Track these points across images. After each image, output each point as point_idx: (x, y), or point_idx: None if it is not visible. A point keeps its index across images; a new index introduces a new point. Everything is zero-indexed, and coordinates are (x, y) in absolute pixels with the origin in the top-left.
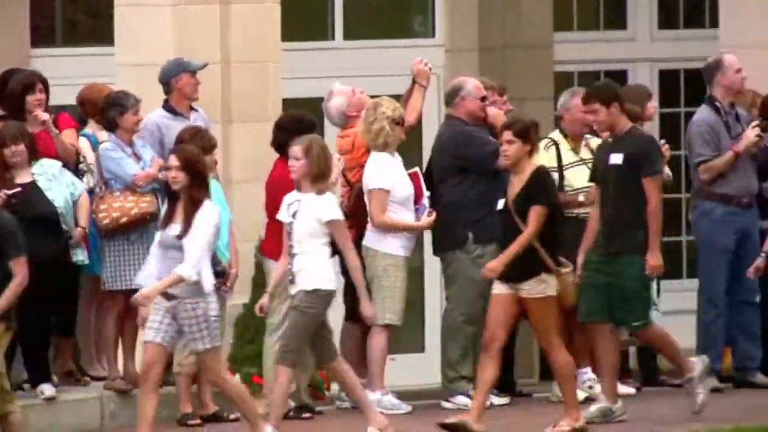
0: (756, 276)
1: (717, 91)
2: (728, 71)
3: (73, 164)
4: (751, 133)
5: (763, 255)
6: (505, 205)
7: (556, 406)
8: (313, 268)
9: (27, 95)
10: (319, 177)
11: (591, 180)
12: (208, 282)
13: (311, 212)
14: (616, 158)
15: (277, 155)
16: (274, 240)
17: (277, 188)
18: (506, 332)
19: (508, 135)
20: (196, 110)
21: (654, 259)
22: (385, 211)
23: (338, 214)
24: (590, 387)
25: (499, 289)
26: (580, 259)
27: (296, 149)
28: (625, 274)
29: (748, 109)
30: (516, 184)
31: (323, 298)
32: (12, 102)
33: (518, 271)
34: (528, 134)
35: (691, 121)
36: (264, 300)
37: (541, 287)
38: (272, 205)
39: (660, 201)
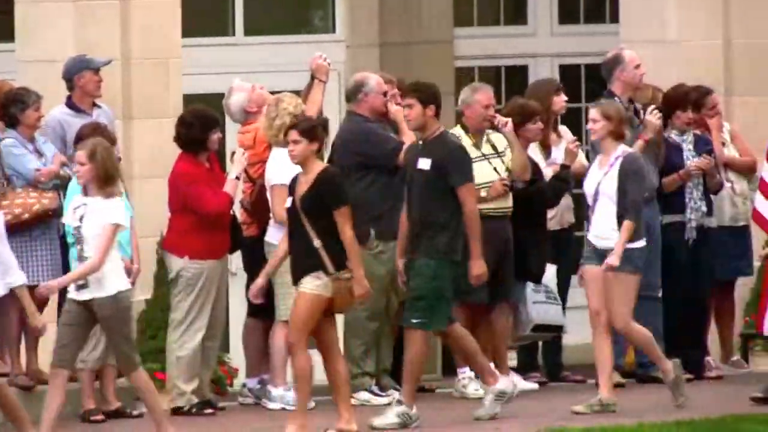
0: None
1: (616, 87)
2: (627, 67)
3: None
4: (652, 118)
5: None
6: (293, 204)
7: (460, 401)
8: (106, 271)
9: None
10: (105, 180)
11: (405, 179)
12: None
13: (98, 216)
14: (424, 163)
15: (179, 151)
16: (176, 234)
17: (180, 183)
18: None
19: (294, 134)
20: (100, 107)
21: (477, 267)
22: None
23: (122, 219)
24: (463, 386)
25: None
26: (399, 264)
27: (80, 154)
28: (414, 274)
29: (649, 103)
30: (303, 183)
31: (124, 299)
32: None
33: (298, 268)
34: (314, 133)
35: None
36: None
37: (315, 284)
38: (174, 200)
39: (475, 207)
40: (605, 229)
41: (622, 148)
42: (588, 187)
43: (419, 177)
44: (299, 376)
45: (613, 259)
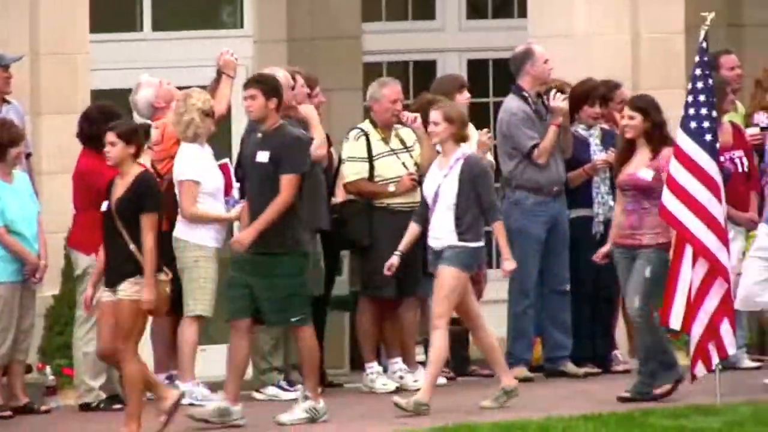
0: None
1: (524, 81)
2: (537, 62)
3: None
4: (557, 102)
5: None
6: (108, 207)
7: (368, 396)
8: None
9: None
10: None
11: (236, 175)
12: None
13: None
14: (262, 156)
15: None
16: (81, 231)
17: (84, 179)
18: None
19: (111, 136)
20: (10, 102)
21: (245, 236)
22: (195, 202)
23: None
24: (401, 377)
25: (104, 296)
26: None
27: None
28: (277, 272)
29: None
30: (120, 186)
31: None
32: None
33: (114, 273)
34: (132, 136)
35: (502, 110)
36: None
37: (133, 290)
38: (78, 196)
39: (290, 201)
40: (440, 231)
41: (462, 151)
42: (427, 190)
43: (258, 170)
44: (129, 383)
45: (508, 264)
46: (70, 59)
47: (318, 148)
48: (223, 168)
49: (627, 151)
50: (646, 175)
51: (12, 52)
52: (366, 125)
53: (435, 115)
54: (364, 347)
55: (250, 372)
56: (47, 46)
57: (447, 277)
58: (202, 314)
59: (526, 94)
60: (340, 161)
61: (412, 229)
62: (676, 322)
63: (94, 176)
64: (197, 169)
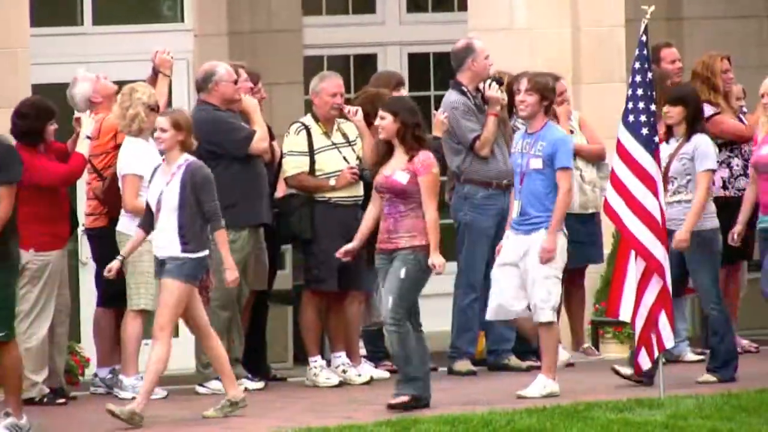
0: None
1: (464, 77)
2: (478, 57)
3: None
4: (492, 92)
5: None
6: None
7: (312, 390)
8: None
9: None
10: None
11: None
12: None
13: None
14: None
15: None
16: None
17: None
18: None
19: None
20: None
21: None
22: (138, 196)
23: None
24: (344, 371)
25: None
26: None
27: None
28: None
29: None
30: None
31: None
32: None
33: None
34: None
35: (443, 105)
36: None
37: None
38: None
39: (7, 212)
40: (164, 240)
41: (185, 158)
42: (151, 198)
43: None
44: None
45: (230, 273)
46: (10, 54)
47: (260, 142)
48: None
49: (385, 153)
50: (402, 178)
51: None
52: (307, 119)
53: (161, 121)
54: (307, 341)
55: (192, 366)
56: None
57: (170, 290)
58: (145, 308)
59: (465, 89)
60: (282, 155)
61: (138, 234)
62: (625, 314)
63: (30, 172)
64: (141, 164)
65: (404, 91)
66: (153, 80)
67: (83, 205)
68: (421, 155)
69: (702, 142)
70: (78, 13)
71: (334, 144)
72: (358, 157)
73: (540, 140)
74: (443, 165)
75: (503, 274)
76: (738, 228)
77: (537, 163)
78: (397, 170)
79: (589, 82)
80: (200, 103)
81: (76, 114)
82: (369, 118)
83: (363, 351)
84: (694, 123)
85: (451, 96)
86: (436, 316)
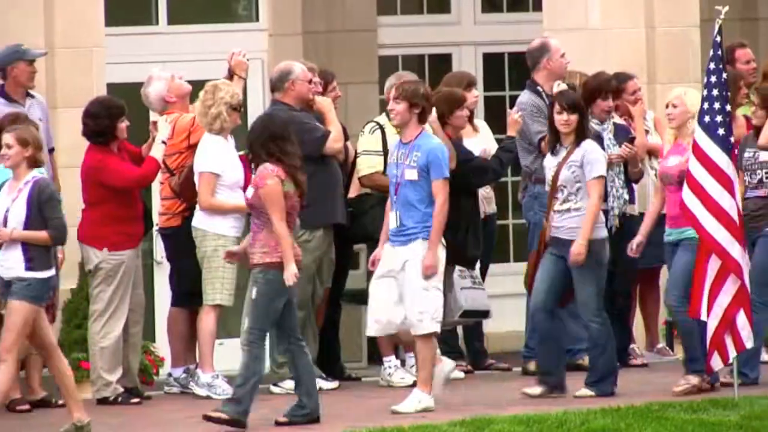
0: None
1: (540, 76)
2: (554, 56)
3: None
4: (558, 89)
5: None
6: None
7: (386, 390)
8: None
9: None
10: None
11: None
12: None
13: None
14: None
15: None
16: (91, 226)
17: (91, 175)
18: None
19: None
20: (33, 96)
21: None
22: (213, 194)
23: None
24: (389, 375)
25: None
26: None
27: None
28: None
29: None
30: None
31: None
32: None
33: None
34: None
35: (516, 104)
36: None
37: None
38: (88, 192)
39: None
40: (10, 260)
41: (32, 174)
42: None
43: None
44: None
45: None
46: (86, 53)
47: (334, 142)
48: (243, 159)
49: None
50: (248, 193)
51: (28, 45)
52: (382, 119)
53: (7, 138)
54: (382, 341)
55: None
56: (63, 40)
57: (17, 311)
58: (221, 303)
59: (540, 89)
60: (356, 155)
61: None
62: (705, 314)
63: (101, 172)
64: (219, 162)
65: (476, 91)
66: (228, 81)
67: (157, 204)
68: (260, 169)
69: (591, 148)
70: (153, 13)
71: None
72: None
73: (415, 150)
74: (517, 164)
75: (381, 287)
76: (638, 239)
77: (412, 174)
78: (251, 184)
79: (664, 82)
80: (275, 102)
81: (153, 117)
82: (443, 118)
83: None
84: (584, 130)
85: (523, 96)
86: (511, 317)
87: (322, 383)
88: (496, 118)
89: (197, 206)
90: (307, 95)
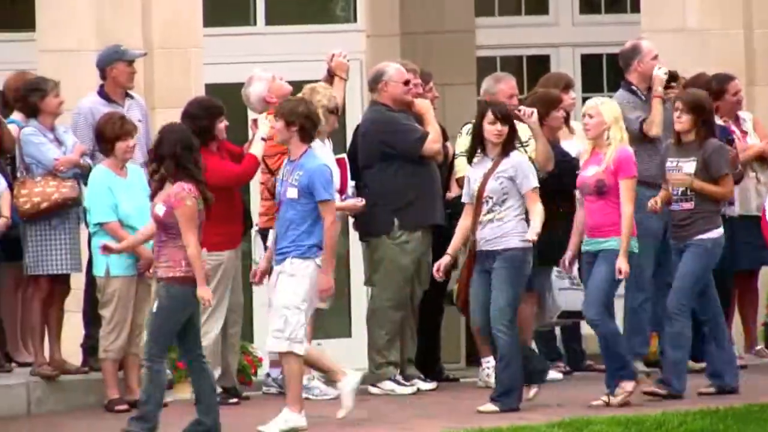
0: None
1: (632, 77)
2: (645, 58)
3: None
4: (659, 73)
5: None
6: None
7: (484, 391)
8: None
9: None
10: None
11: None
12: None
13: None
14: None
15: None
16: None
17: None
18: None
19: None
20: (132, 97)
21: None
22: None
23: None
24: (488, 375)
25: None
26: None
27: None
28: None
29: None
30: None
31: None
32: None
33: None
34: None
35: None
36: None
37: None
38: None
39: None
40: None
41: None
42: None
43: None
44: None
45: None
46: (183, 53)
47: (433, 143)
48: (340, 163)
49: (159, 182)
50: (159, 210)
51: (127, 46)
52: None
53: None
54: (480, 342)
55: (365, 366)
56: (161, 41)
57: None
58: (318, 306)
59: (635, 88)
60: (454, 156)
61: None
62: None
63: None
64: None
65: (573, 93)
66: (328, 82)
67: (257, 204)
68: (175, 187)
69: (520, 160)
70: (251, 14)
71: None
72: (530, 158)
73: (298, 169)
74: None
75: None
76: (568, 254)
77: (293, 193)
78: (159, 201)
79: (764, 84)
80: (373, 103)
81: (252, 116)
82: (540, 120)
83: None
84: (512, 140)
85: (619, 97)
86: None
87: (420, 384)
88: None
89: None
90: (401, 96)
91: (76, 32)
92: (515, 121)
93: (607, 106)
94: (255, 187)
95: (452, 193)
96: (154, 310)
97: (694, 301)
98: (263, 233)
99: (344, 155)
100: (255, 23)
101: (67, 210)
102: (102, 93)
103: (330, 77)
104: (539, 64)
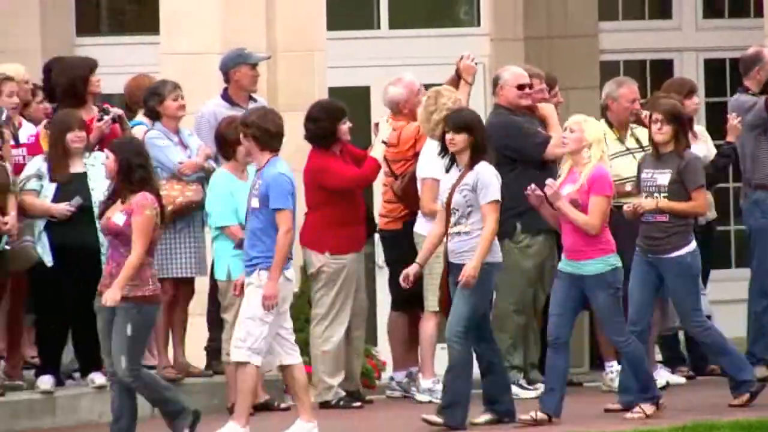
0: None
1: (751, 83)
2: (766, 66)
3: None
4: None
5: None
6: None
7: (607, 395)
8: None
9: (88, 83)
10: None
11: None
12: None
13: None
14: None
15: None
16: (313, 230)
17: (314, 178)
18: None
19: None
20: (255, 100)
21: None
22: (436, 200)
23: None
24: (611, 380)
25: None
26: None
27: None
28: None
29: None
30: None
31: None
32: (73, 89)
33: None
34: None
35: (731, 108)
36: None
37: None
38: (311, 196)
39: None
40: None
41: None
42: None
43: None
44: None
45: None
46: (307, 57)
47: (555, 147)
48: None
49: (112, 193)
50: (119, 219)
51: (250, 49)
52: (602, 124)
53: None
54: (604, 345)
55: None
56: (284, 44)
57: None
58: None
59: (753, 93)
60: None
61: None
62: None
63: (324, 175)
64: (441, 168)
65: (697, 98)
66: (455, 83)
67: (379, 207)
68: (138, 196)
69: (484, 172)
70: (374, 17)
71: (628, 149)
72: None
73: (259, 178)
74: (736, 169)
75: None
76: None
77: (255, 202)
78: (117, 211)
79: None
80: (495, 107)
81: (374, 120)
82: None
83: (659, 356)
84: (479, 151)
85: (735, 101)
86: (733, 322)
87: (542, 387)
88: (716, 124)
89: (419, 212)
90: (515, 100)
91: (200, 35)
92: (637, 125)
93: (591, 125)
94: (378, 189)
95: None
96: (129, 333)
97: None
98: (384, 235)
99: None
100: (378, 27)
101: (191, 213)
102: (225, 96)
103: (456, 79)
104: (662, 69)
